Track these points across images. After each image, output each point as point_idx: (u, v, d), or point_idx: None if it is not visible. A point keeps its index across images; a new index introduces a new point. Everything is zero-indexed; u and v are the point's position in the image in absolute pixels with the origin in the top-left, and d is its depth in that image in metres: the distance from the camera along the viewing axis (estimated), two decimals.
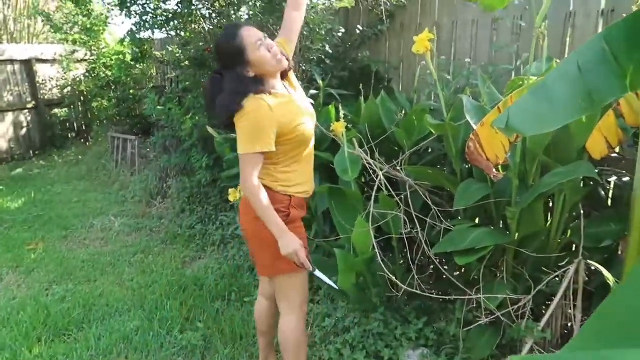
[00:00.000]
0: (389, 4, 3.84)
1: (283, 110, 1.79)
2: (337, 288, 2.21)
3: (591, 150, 2.10)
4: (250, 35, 1.78)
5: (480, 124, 1.75)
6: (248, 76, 1.79)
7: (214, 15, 3.68)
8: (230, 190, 3.06)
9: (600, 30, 2.79)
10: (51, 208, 5.26)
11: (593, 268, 2.13)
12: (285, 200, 1.90)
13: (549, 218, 2.45)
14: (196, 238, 4.14)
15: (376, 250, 2.26)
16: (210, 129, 3.72)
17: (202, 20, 3.71)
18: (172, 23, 4.10)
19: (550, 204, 2.50)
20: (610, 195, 2.56)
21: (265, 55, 1.78)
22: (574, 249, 2.43)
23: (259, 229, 1.85)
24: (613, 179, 2.52)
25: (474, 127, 2.07)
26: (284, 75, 1.98)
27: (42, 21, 7.85)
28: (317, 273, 1.95)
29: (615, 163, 2.45)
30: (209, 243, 3.99)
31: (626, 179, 2.44)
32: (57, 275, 3.60)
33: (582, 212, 2.34)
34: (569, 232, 2.41)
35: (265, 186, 1.82)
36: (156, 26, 4.12)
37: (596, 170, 2.16)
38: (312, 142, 2.00)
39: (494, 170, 1.76)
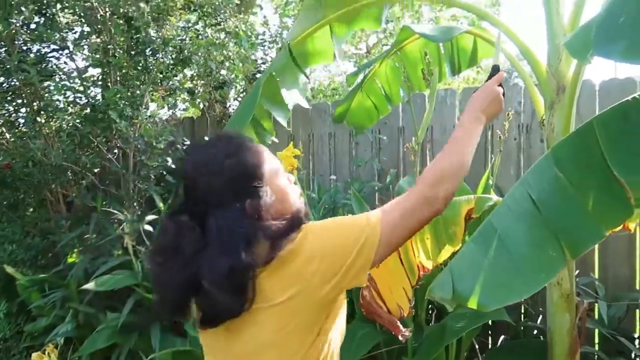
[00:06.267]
0: None
1: None
2: None
3: None
4: (270, 154, 1.06)
5: (376, 266, 1.33)
6: (270, 210, 0.96)
7: (20, 122, 2.91)
8: (34, 356, 2.21)
9: (401, 145, 2.80)
10: None
11: None
12: None
13: None
14: None
15: None
16: (9, 268, 2.85)
17: (3, 128, 2.91)
18: None
19: None
20: None
21: (286, 186, 1.04)
22: None
23: None
24: None
25: None
26: None
27: None
28: None
29: None
30: None
31: None
32: None
33: (476, 346, 2.03)
34: None
35: None
36: None
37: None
38: None
39: (400, 326, 1.31)
